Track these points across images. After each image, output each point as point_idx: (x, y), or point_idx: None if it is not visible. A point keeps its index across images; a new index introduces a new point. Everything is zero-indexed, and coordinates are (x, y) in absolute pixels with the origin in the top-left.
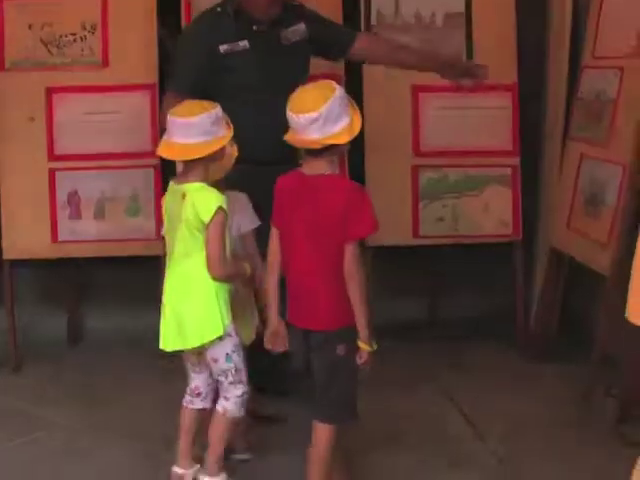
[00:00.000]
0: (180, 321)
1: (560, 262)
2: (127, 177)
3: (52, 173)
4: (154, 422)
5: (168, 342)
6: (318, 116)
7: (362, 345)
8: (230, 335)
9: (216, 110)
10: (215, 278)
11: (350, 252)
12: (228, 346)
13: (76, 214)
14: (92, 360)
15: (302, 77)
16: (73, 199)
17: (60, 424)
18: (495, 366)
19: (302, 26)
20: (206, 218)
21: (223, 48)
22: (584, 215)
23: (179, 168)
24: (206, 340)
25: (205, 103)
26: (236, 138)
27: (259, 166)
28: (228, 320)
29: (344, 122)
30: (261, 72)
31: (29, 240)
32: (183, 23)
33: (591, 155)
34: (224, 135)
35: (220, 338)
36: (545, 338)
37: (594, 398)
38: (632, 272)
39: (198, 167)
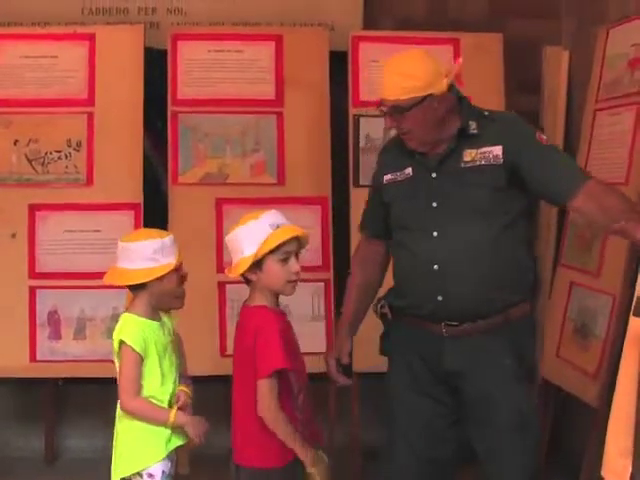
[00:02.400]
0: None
1: (548, 391)
2: (107, 297)
3: (32, 291)
4: None
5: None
6: (225, 244)
7: (310, 470)
8: (151, 476)
9: (164, 239)
10: (124, 412)
11: (259, 388)
12: None
13: (55, 334)
14: None
15: (486, 211)
16: (53, 318)
17: None
18: None
19: (497, 149)
20: (116, 347)
21: (386, 178)
22: (573, 345)
23: None
24: (121, 476)
25: (155, 231)
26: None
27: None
28: (150, 461)
29: (245, 254)
30: (417, 206)
31: (7, 359)
32: (170, 142)
33: (581, 283)
34: (167, 264)
35: (140, 474)
36: None
37: None
38: (608, 425)
39: (140, 296)
